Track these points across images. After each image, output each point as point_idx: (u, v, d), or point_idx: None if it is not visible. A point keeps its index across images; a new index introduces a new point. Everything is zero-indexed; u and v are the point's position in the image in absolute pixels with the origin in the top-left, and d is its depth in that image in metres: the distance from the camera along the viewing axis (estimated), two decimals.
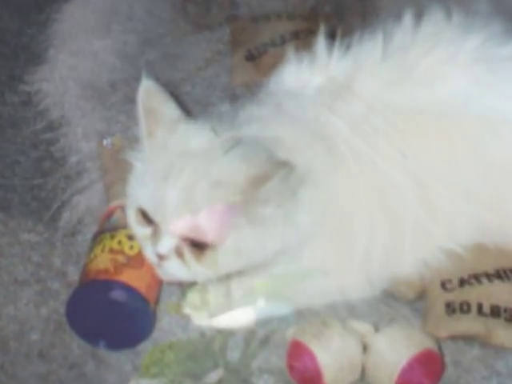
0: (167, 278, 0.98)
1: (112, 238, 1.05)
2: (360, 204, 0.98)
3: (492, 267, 1.05)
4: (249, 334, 1.04)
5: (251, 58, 1.40)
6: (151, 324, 1.04)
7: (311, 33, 1.36)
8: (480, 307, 1.02)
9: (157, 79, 0.98)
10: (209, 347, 1.02)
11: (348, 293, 1.02)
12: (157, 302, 1.05)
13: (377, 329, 1.00)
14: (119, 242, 1.04)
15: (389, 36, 1.03)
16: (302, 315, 1.03)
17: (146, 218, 0.95)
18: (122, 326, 1.03)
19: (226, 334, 1.03)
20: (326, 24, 1.09)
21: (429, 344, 0.97)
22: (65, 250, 1.16)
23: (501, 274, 1.04)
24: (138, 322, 1.03)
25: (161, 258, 0.94)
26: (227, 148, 0.92)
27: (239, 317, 1.04)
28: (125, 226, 1.02)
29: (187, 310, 1.05)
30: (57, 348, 1.06)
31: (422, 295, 1.06)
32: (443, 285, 1.05)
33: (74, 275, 1.11)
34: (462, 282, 1.04)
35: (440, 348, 0.99)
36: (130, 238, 1.03)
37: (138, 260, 1.02)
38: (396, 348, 0.97)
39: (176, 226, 0.91)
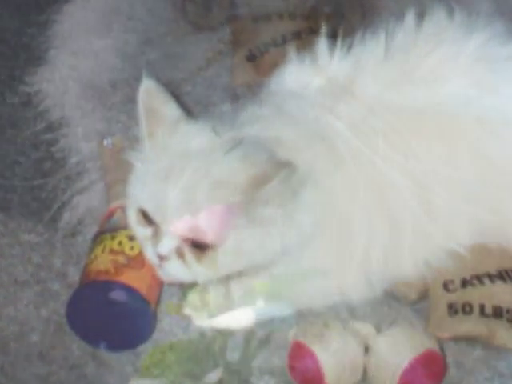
0: (168, 279, 0.98)
1: (112, 238, 1.05)
2: (359, 204, 0.97)
3: (494, 268, 1.05)
4: (249, 335, 1.04)
5: (252, 57, 1.40)
6: (152, 325, 1.04)
7: (312, 32, 1.36)
8: (482, 308, 1.02)
9: (157, 79, 0.98)
10: (209, 348, 1.02)
11: (348, 293, 1.02)
12: (157, 302, 1.05)
13: (378, 330, 1.00)
14: (120, 243, 1.04)
15: (390, 36, 1.02)
16: (303, 316, 1.03)
17: (146, 218, 0.94)
18: (123, 326, 1.03)
19: (226, 335, 1.03)
20: (327, 24, 1.09)
21: (431, 345, 0.97)
22: (65, 250, 1.16)
23: (503, 275, 1.04)
24: (139, 322, 1.03)
25: (161, 258, 0.93)
26: (228, 148, 0.92)
27: (239, 317, 1.04)
28: (125, 227, 1.02)
29: (187, 311, 1.05)
30: (57, 349, 1.06)
31: (423, 296, 1.06)
32: (445, 286, 1.04)
33: (74, 276, 1.11)
34: (464, 283, 1.04)
35: (442, 349, 0.99)
36: (131, 238, 1.03)
37: (139, 261, 1.01)
38: (398, 349, 0.96)
39: (177, 227, 0.91)
